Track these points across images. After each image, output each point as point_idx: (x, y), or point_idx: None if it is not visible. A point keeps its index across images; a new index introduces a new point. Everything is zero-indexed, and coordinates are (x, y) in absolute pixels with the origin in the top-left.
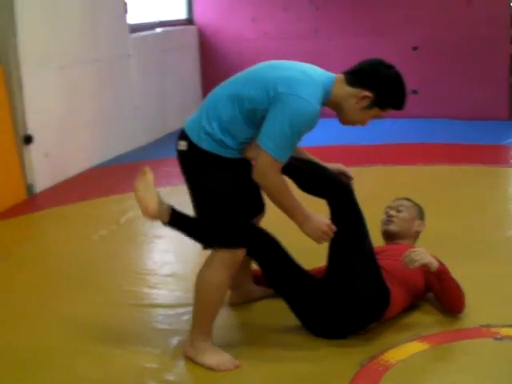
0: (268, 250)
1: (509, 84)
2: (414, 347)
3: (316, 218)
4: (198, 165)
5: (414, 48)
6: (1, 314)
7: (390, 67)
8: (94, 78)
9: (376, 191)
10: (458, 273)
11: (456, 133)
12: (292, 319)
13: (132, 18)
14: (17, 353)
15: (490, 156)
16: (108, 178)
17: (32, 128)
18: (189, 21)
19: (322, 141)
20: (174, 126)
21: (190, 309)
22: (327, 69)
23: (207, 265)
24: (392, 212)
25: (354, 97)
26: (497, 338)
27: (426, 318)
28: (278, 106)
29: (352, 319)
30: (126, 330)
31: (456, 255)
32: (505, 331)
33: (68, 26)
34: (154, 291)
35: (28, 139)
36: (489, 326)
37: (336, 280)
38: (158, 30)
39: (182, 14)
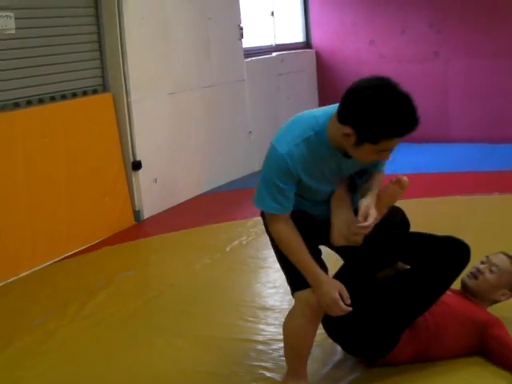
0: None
1: None
2: None
3: (327, 285)
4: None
5: None
6: (96, 345)
7: (371, 87)
8: (204, 104)
9: (492, 221)
10: None
11: None
12: None
13: (248, 42)
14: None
15: None
16: (217, 204)
17: (141, 154)
18: (306, 44)
19: (435, 167)
20: None
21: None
22: (444, 91)
23: (289, 312)
24: (482, 267)
25: (341, 134)
26: None
27: None
28: None
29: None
30: (216, 367)
31: None
32: None
33: (179, 52)
34: (249, 324)
35: (137, 165)
36: None
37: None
38: (274, 54)
39: (299, 38)
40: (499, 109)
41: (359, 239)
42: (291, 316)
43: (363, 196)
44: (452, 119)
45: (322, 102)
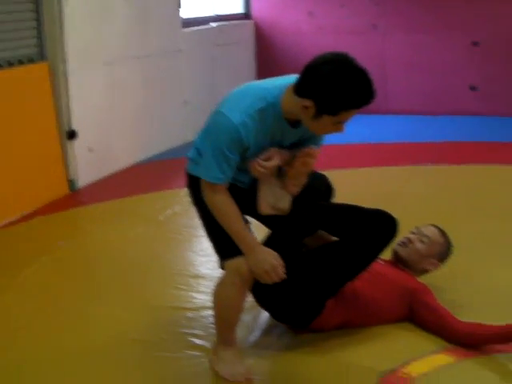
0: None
1: None
2: (439, 360)
3: (263, 253)
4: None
5: (475, 43)
6: (33, 312)
7: (331, 62)
8: (141, 73)
9: (425, 191)
10: (503, 278)
11: None
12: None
13: (186, 13)
14: (43, 352)
15: None
16: (152, 174)
17: (76, 123)
18: (245, 15)
19: (373, 138)
20: None
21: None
22: (383, 64)
23: (219, 281)
24: (413, 237)
25: (299, 107)
26: None
27: None
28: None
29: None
30: (147, 335)
31: (502, 260)
32: None
33: (116, 21)
34: (181, 292)
35: (72, 134)
36: None
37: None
38: (213, 24)
39: (239, 9)
40: (437, 82)
41: (286, 207)
42: (221, 285)
43: None
44: (390, 91)
45: (260, 73)
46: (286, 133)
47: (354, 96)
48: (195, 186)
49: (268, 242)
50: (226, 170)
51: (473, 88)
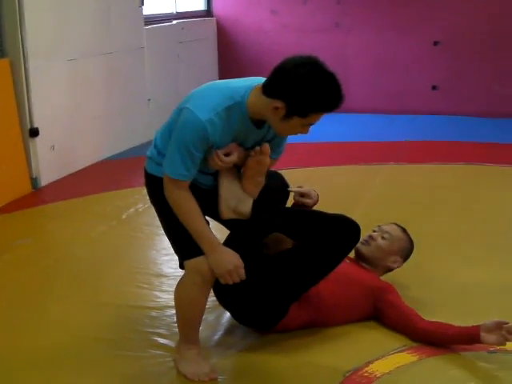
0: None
1: None
2: (402, 359)
3: (225, 254)
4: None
5: (436, 43)
6: None
7: (305, 65)
8: (104, 71)
9: (386, 190)
10: (465, 278)
11: (477, 130)
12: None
13: (149, 10)
14: (1, 351)
15: (510, 155)
16: (115, 171)
17: (39, 121)
18: (207, 12)
19: (335, 137)
20: None
21: None
22: (346, 62)
23: (179, 281)
24: (375, 235)
25: (268, 108)
26: (490, 351)
27: None
28: (176, 122)
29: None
30: (109, 333)
31: (463, 259)
32: None
33: (79, 17)
34: (144, 291)
35: (34, 132)
36: None
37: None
38: (175, 21)
39: (201, 6)
40: (398, 81)
41: (247, 212)
42: (182, 285)
43: None
44: (352, 90)
45: (222, 70)
46: (250, 133)
47: (325, 99)
48: (154, 185)
49: (228, 243)
50: (190, 167)
51: (434, 87)
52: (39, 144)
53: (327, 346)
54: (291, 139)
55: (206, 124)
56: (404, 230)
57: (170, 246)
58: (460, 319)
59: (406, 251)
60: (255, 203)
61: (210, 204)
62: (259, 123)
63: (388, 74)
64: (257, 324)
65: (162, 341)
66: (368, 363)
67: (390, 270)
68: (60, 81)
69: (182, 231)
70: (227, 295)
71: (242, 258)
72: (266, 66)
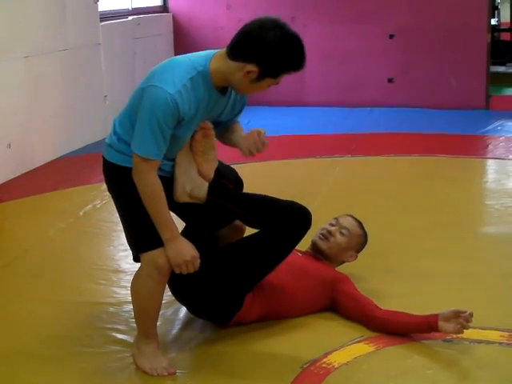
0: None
1: (486, 73)
2: (359, 349)
3: (184, 244)
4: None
5: (391, 36)
6: None
7: (274, 28)
8: (60, 67)
9: (344, 182)
10: (422, 268)
11: (432, 122)
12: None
13: (103, 6)
14: None
15: (466, 146)
16: (73, 168)
17: None
18: (163, 8)
19: (292, 130)
20: None
21: None
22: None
23: (135, 274)
24: (333, 230)
25: (238, 71)
26: (446, 340)
27: None
28: (140, 103)
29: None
30: (69, 330)
31: (421, 250)
32: None
33: (34, 14)
34: (101, 287)
35: None
36: None
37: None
38: (130, 17)
39: (156, 1)
40: (355, 74)
41: (203, 196)
42: (138, 278)
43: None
44: (308, 84)
45: None
46: (217, 101)
47: (296, 59)
48: (113, 173)
49: (183, 235)
50: (161, 146)
51: (390, 80)
52: None
53: (284, 338)
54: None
55: (176, 97)
56: (360, 224)
57: (123, 242)
58: (419, 309)
59: (362, 246)
60: (211, 188)
61: (166, 192)
62: (223, 90)
63: (344, 66)
64: (213, 317)
65: (120, 336)
66: (326, 354)
67: (344, 262)
68: (16, 78)
69: (140, 222)
70: (182, 289)
71: (198, 250)
72: None
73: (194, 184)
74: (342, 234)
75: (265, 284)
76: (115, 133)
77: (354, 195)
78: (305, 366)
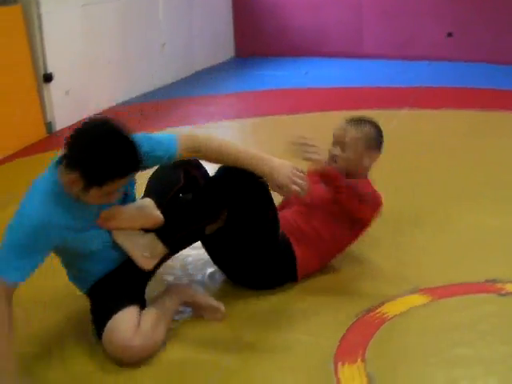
0: None
1: None
2: (414, 300)
3: None
4: None
5: None
6: None
7: (88, 132)
8: (117, 16)
9: (402, 135)
10: (464, 224)
11: (493, 77)
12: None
13: None
14: None
15: None
16: (129, 116)
17: (52, 66)
18: None
19: (350, 81)
20: (202, 64)
21: None
22: (359, 7)
23: None
24: (335, 152)
25: (69, 181)
26: (501, 294)
27: (426, 271)
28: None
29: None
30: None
31: (466, 205)
32: (510, 287)
33: None
34: None
35: (48, 77)
36: (494, 281)
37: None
38: None
39: None
40: (412, 28)
41: (162, 249)
42: None
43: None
44: (366, 35)
45: (236, 14)
46: (86, 210)
47: (118, 165)
48: None
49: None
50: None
51: (449, 34)
52: (53, 89)
53: (340, 289)
54: (293, 83)
55: (44, 216)
56: (357, 124)
57: None
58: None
59: (373, 140)
60: (161, 236)
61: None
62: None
63: (402, 19)
64: (282, 279)
65: None
66: (380, 304)
67: (370, 168)
68: (73, 26)
69: None
70: (244, 271)
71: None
72: (282, 18)
73: (147, 247)
74: (344, 150)
75: (308, 232)
76: None
77: (412, 150)
78: (360, 315)
